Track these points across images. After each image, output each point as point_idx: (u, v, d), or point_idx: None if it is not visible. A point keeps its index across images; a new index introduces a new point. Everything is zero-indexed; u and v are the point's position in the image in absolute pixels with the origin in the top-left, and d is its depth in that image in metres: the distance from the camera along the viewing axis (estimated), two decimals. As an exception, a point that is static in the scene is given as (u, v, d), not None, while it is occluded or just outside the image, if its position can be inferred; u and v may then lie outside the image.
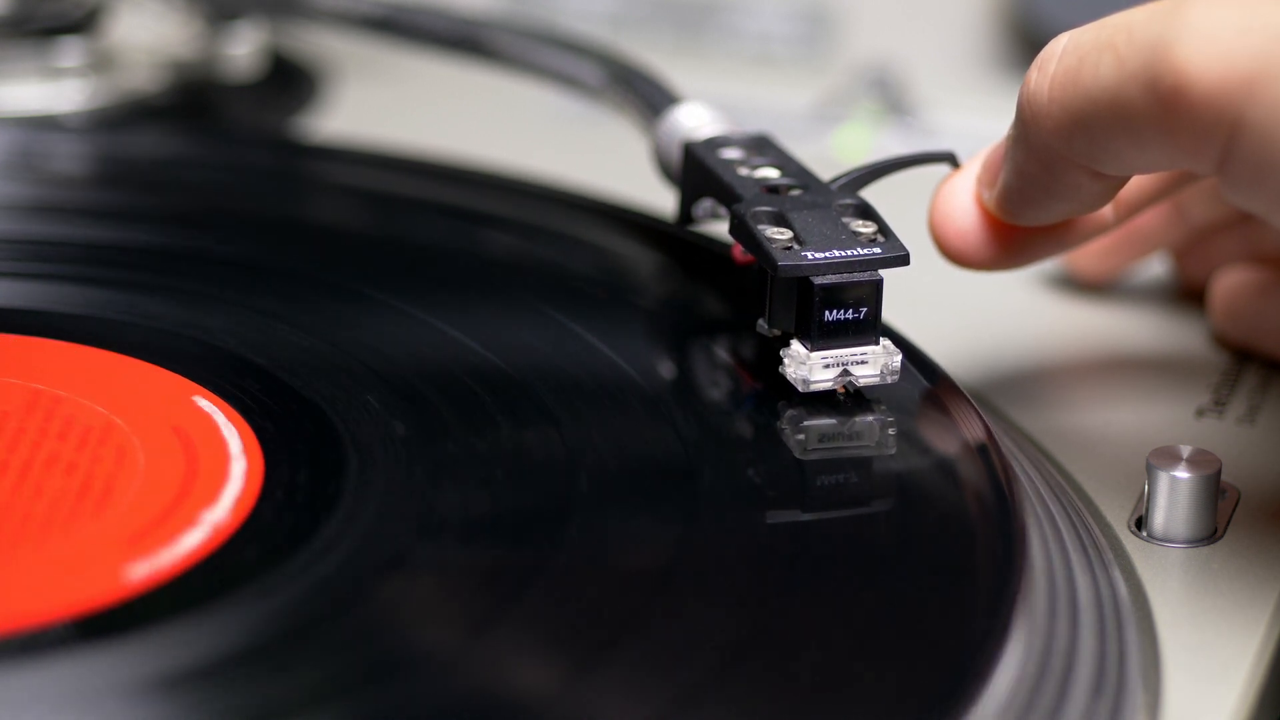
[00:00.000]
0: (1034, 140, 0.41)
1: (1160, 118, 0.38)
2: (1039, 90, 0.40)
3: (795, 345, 0.42)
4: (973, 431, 0.42)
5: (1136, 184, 0.45)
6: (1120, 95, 0.38)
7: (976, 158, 0.45)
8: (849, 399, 0.43)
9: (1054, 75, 0.40)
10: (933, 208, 0.45)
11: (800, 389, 0.42)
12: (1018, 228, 0.44)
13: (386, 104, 0.66)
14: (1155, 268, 0.54)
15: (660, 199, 0.51)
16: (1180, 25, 0.38)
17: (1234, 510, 0.43)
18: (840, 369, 0.42)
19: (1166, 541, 0.42)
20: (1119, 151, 0.40)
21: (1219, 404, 0.48)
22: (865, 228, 0.43)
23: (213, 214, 0.54)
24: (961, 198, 0.44)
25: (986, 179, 0.44)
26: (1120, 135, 0.39)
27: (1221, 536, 0.42)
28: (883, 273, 0.42)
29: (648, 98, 0.51)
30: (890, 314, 0.44)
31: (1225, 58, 0.37)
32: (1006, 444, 0.43)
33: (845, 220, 0.44)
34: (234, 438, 0.40)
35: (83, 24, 0.65)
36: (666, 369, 0.45)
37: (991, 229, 0.44)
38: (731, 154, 0.47)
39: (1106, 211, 0.45)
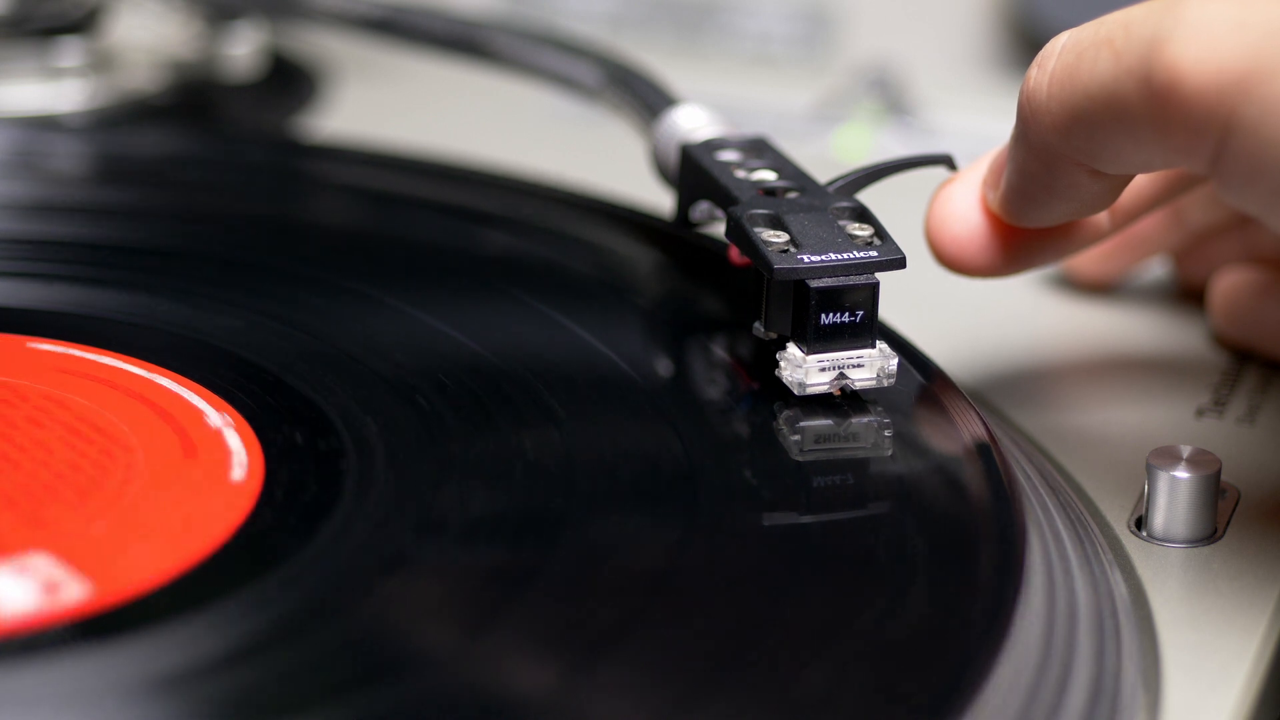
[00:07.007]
0: (1034, 138, 0.41)
1: (1154, 114, 0.38)
2: (1038, 87, 0.40)
3: (791, 348, 0.42)
4: (972, 431, 0.42)
5: (1133, 191, 0.45)
6: (1116, 91, 0.38)
7: (973, 165, 0.45)
8: (846, 399, 0.43)
9: (1053, 72, 0.40)
10: (929, 214, 0.45)
11: (796, 392, 0.42)
12: (1013, 234, 0.44)
13: (386, 104, 0.66)
14: (1155, 269, 0.54)
15: (658, 199, 0.51)
16: (1175, 21, 0.38)
17: (1234, 510, 0.43)
18: (836, 372, 0.42)
19: (1166, 541, 0.42)
20: (1116, 149, 0.40)
21: (1219, 404, 0.48)
22: (862, 230, 0.43)
23: (213, 214, 0.54)
24: (958, 204, 0.44)
25: (991, 179, 0.44)
26: (1116, 132, 0.39)
27: (1221, 536, 0.42)
28: (879, 275, 0.42)
29: (645, 99, 0.51)
30: (889, 313, 0.44)
31: (1218, 54, 0.37)
32: (1006, 444, 0.43)
33: (842, 223, 0.44)
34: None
35: (83, 24, 0.65)
36: (664, 368, 0.45)
37: (987, 235, 0.44)
38: (728, 156, 0.47)
39: (1103, 218, 0.45)
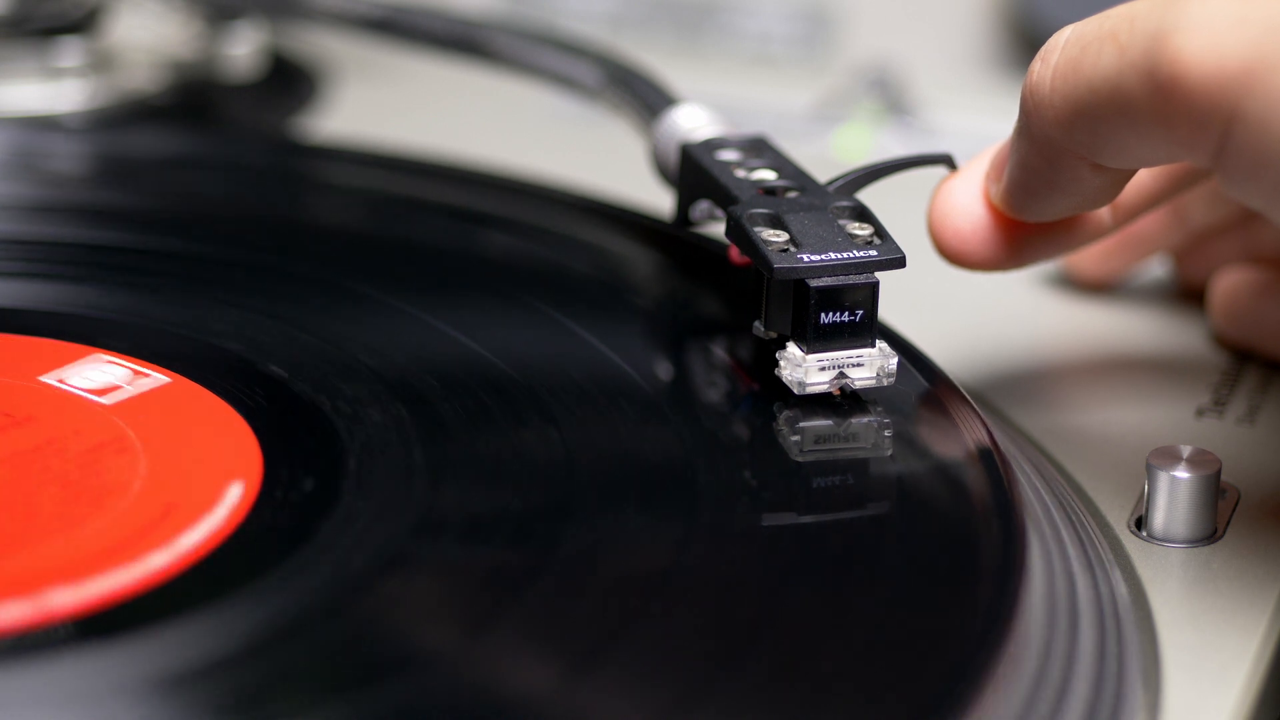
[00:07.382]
0: (1036, 131, 0.41)
1: (1158, 108, 0.38)
2: (1041, 81, 0.40)
3: (791, 348, 0.42)
4: (972, 432, 0.42)
5: (1134, 188, 0.45)
6: (1120, 85, 0.39)
7: (975, 159, 0.45)
8: (846, 400, 0.43)
9: (1056, 65, 0.40)
10: (931, 208, 0.45)
11: (796, 391, 0.42)
12: (1015, 229, 0.44)
13: (386, 104, 0.66)
14: (1155, 269, 0.54)
15: (658, 199, 0.51)
16: (1178, 15, 0.38)
17: (1234, 510, 0.43)
18: (836, 371, 0.42)
19: (1166, 541, 0.42)
20: (1119, 143, 0.40)
21: (1219, 404, 0.48)
22: (861, 230, 0.43)
23: (212, 214, 0.54)
24: (960, 198, 0.44)
25: (993, 173, 0.44)
26: (1119, 126, 0.39)
27: (1221, 536, 0.42)
28: (880, 274, 0.42)
29: (645, 99, 0.51)
30: (890, 314, 0.44)
31: (1221, 48, 0.37)
32: (1006, 444, 0.43)
33: (841, 222, 0.44)
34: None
35: (83, 24, 0.65)
36: (665, 369, 0.45)
37: (989, 229, 0.44)
38: (728, 156, 0.47)
39: (1104, 215, 0.45)
